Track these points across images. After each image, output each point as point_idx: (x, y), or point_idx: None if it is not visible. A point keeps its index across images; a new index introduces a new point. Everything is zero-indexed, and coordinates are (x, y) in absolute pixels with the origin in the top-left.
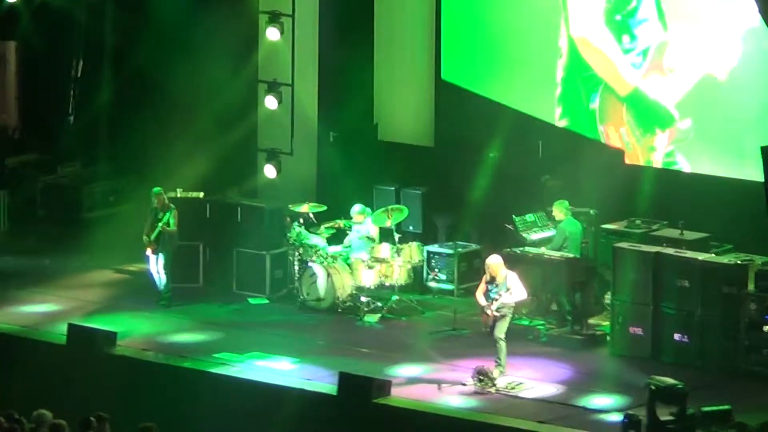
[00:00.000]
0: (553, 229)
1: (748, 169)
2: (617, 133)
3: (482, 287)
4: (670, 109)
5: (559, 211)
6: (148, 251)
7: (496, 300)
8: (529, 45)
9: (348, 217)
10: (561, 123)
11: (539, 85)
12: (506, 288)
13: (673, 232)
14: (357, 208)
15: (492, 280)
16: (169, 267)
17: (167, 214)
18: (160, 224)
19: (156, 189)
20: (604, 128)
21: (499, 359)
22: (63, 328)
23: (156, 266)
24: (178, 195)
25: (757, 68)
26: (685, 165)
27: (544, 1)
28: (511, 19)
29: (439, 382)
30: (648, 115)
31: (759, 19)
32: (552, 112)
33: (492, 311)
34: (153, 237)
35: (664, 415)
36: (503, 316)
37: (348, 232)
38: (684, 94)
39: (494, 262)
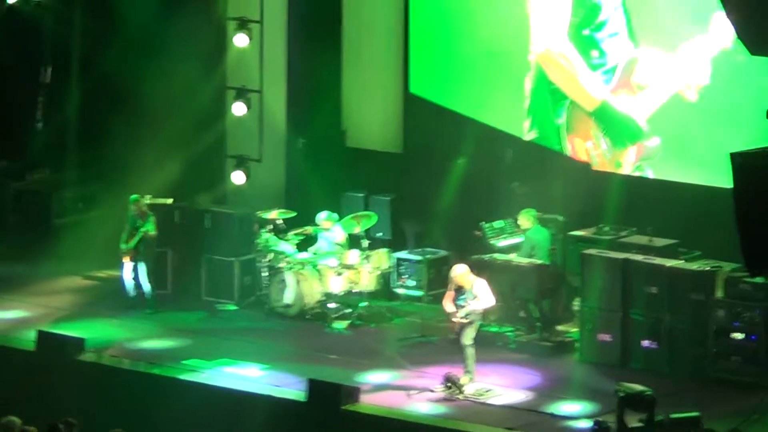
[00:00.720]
0: (522, 236)
1: (717, 176)
2: (584, 147)
3: (450, 294)
4: (640, 123)
5: (526, 219)
6: (125, 259)
7: (464, 307)
8: (499, 59)
9: (317, 223)
10: (530, 135)
11: (508, 99)
12: (473, 295)
13: (642, 239)
14: (323, 215)
15: (459, 289)
16: (151, 274)
17: (148, 221)
18: (141, 231)
19: (133, 197)
20: (570, 143)
21: (468, 366)
22: (32, 335)
23: (132, 274)
24: (147, 201)
25: (727, 87)
26: (652, 175)
27: (514, 15)
28: (481, 33)
29: (407, 389)
30: (618, 129)
31: (731, 39)
32: (521, 126)
33: (459, 318)
34: (132, 245)
35: (633, 421)
36: (470, 323)
37: (317, 238)
38: (653, 112)
39: (459, 273)
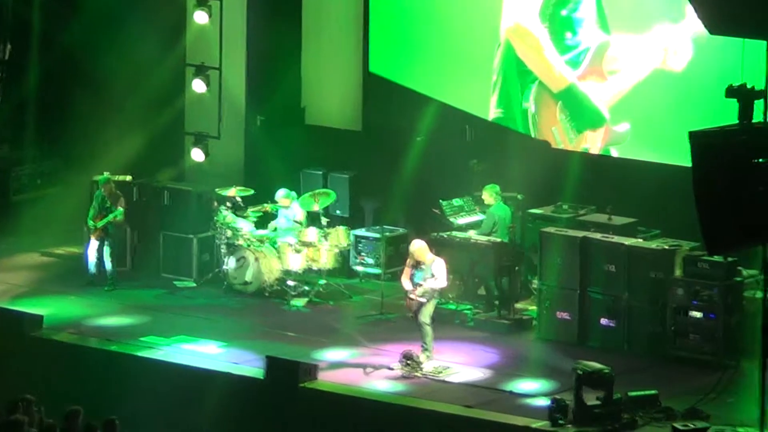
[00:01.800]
0: (481, 214)
1: (676, 154)
2: (550, 132)
3: (407, 271)
4: (602, 110)
5: (489, 195)
6: (92, 236)
7: (420, 285)
8: (465, 38)
9: (275, 201)
10: (495, 113)
11: (473, 79)
12: (431, 273)
13: (601, 217)
14: (281, 192)
15: (417, 265)
16: (115, 254)
17: (119, 208)
18: (110, 216)
19: (103, 177)
20: (537, 127)
21: (426, 344)
22: None
23: (96, 252)
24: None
25: (692, 66)
26: (616, 154)
27: None
28: (446, 12)
29: (365, 367)
30: (581, 113)
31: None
32: (486, 106)
33: (416, 296)
34: (100, 225)
35: (591, 399)
36: (428, 301)
37: (275, 216)
38: (622, 97)
39: (418, 247)
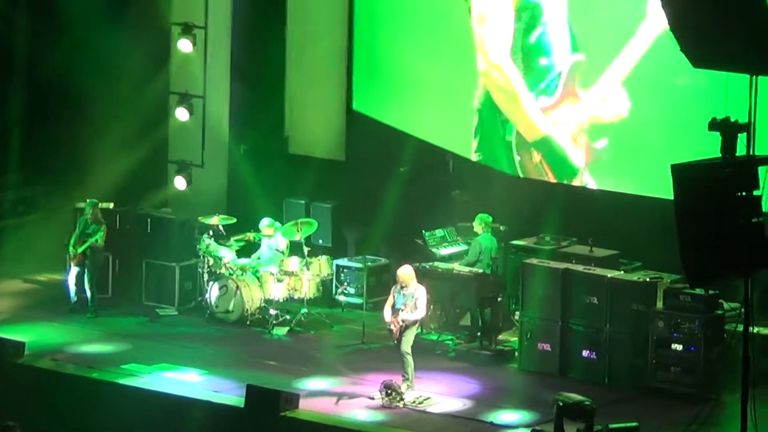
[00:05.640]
0: (464, 245)
1: (658, 187)
2: (533, 164)
3: (390, 300)
4: (575, 162)
5: (479, 224)
6: (72, 262)
7: (402, 310)
8: (448, 79)
9: (258, 230)
10: (476, 156)
11: (455, 119)
12: (413, 298)
13: (583, 249)
14: (266, 221)
15: (401, 289)
16: (95, 281)
17: (99, 231)
18: (90, 240)
19: (91, 201)
20: (520, 158)
21: (407, 373)
22: None
23: (75, 278)
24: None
25: (671, 99)
26: (594, 186)
27: (462, 33)
28: (427, 52)
29: (344, 396)
30: (558, 163)
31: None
32: (468, 145)
33: (397, 323)
34: (80, 250)
35: (572, 431)
36: (408, 329)
37: (258, 245)
38: (598, 115)
39: (407, 273)
